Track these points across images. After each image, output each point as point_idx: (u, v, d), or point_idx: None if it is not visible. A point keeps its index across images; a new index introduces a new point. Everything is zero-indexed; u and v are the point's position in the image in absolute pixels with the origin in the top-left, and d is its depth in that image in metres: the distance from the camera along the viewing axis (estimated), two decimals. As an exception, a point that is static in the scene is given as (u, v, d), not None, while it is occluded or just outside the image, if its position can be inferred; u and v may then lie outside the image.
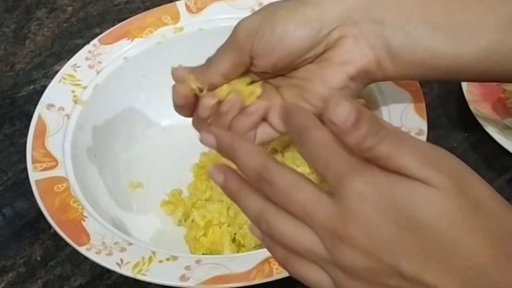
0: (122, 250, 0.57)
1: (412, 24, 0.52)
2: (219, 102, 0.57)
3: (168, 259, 0.56)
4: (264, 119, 0.59)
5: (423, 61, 0.53)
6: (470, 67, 0.53)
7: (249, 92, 0.58)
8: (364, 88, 0.57)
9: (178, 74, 0.57)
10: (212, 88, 0.57)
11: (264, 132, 0.59)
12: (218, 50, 0.57)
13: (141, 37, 0.72)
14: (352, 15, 0.53)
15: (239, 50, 0.55)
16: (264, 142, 0.59)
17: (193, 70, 0.57)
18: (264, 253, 0.56)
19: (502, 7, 0.51)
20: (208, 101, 0.57)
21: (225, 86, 0.57)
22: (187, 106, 0.58)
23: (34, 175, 0.62)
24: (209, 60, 0.57)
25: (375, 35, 0.53)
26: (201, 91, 0.57)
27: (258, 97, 0.58)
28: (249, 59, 0.56)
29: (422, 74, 0.55)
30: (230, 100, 0.57)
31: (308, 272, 0.41)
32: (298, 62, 0.56)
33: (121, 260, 0.56)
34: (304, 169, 0.63)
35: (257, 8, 0.71)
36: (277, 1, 0.56)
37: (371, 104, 0.66)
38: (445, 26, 0.52)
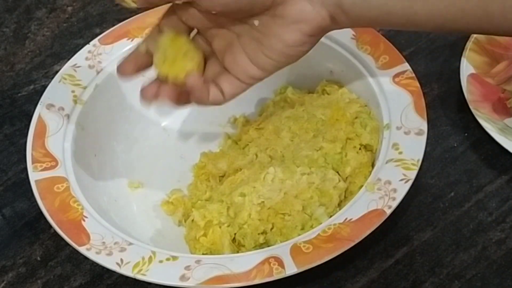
0: (122, 250, 0.57)
1: None
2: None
3: (168, 259, 0.56)
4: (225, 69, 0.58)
5: (377, 17, 0.54)
6: (424, 23, 0.54)
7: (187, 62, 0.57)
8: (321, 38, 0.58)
9: None
10: (146, 3, 0.55)
11: (230, 85, 0.58)
12: None
13: (141, 37, 0.71)
14: None
15: None
16: (235, 94, 0.58)
17: None
18: (264, 253, 0.56)
19: None
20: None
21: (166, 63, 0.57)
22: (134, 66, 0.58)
23: (34, 175, 0.62)
24: None
25: None
26: (136, 7, 0.55)
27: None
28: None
29: (378, 26, 0.57)
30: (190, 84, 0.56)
31: None
32: (245, 11, 0.55)
33: (121, 260, 0.56)
34: (304, 169, 0.64)
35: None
36: None
37: (371, 104, 0.66)
38: None
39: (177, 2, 0.55)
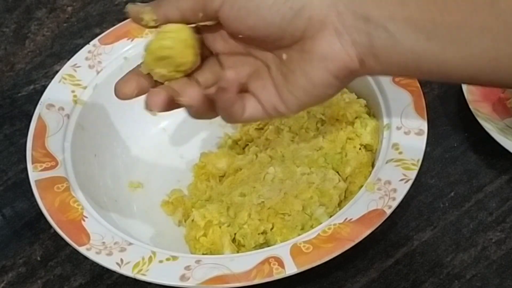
0: (122, 250, 0.57)
1: (395, 23, 0.49)
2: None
3: (168, 259, 0.56)
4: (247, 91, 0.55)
5: (406, 63, 0.50)
6: (454, 72, 0.50)
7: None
8: (349, 83, 0.54)
9: (134, 9, 0.53)
10: (166, 22, 0.53)
11: (252, 107, 0.54)
12: None
13: (141, 37, 0.72)
14: (336, 3, 0.50)
15: None
16: (254, 119, 0.55)
17: (151, 3, 0.53)
18: (264, 253, 0.56)
19: (487, 9, 0.47)
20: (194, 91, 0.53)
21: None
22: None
23: (34, 175, 0.62)
24: None
25: (358, 31, 0.50)
26: (155, 27, 0.53)
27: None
28: (212, 13, 0.52)
29: (407, 74, 0.53)
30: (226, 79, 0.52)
31: None
32: (273, 40, 0.52)
33: (121, 260, 0.56)
34: (304, 169, 0.64)
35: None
36: None
37: (371, 104, 0.66)
38: (428, 27, 0.49)
39: (202, 23, 0.53)
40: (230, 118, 0.54)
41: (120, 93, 0.54)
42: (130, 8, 0.53)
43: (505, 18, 0.47)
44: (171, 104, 0.53)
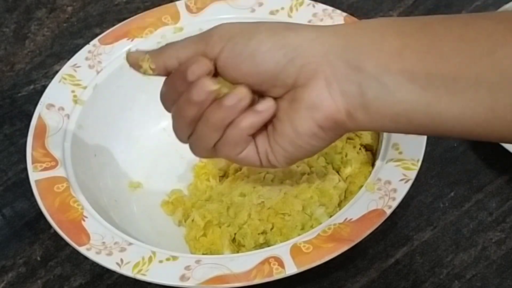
0: (122, 250, 0.57)
1: (389, 74, 0.48)
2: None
3: (168, 259, 0.56)
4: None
5: (398, 115, 0.49)
6: (448, 125, 0.48)
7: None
8: (337, 139, 0.53)
9: (133, 56, 0.54)
10: (164, 72, 0.53)
11: (250, 148, 0.54)
12: (185, 38, 0.54)
13: (141, 37, 0.72)
14: (329, 52, 0.49)
15: (206, 46, 0.51)
16: (247, 161, 0.55)
17: (150, 51, 0.54)
18: (264, 253, 0.56)
19: (484, 60, 0.46)
20: (208, 83, 0.51)
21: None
22: None
23: (34, 175, 0.62)
24: (172, 42, 0.54)
25: (348, 80, 0.49)
26: (152, 74, 0.53)
27: None
28: (211, 61, 0.51)
29: (397, 128, 0.51)
30: (238, 93, 0.51)
31: None
32: (266, 88, 0.52)
33: (121, 260, 0.56)
34: (304, 169, 0.64)
35: (257, 8, 0.71)
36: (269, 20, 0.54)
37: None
38: (423, 78, 0.47)
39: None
40: (228, 155, 0.54)
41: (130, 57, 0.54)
42: (129, 54, 0.54)
43: (502, 68, 0.45)
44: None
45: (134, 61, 0.53)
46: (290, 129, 0.52)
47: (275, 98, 0.52)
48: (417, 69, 0.47)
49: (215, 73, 0.52)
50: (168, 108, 0.55)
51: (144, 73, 0.53)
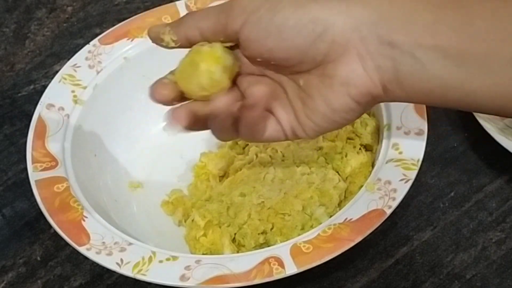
0: (122, 250, 0.57)
1: (423, 49, 0.47)
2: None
3: (168, 259, 0.56)
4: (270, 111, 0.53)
5: (432, 91, 0.48)
6: (481, 102, 0.48)
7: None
8: (371, 108, 0.53)
9: (154, 30, 0.52)
10: (187, 43, 0.51)
11: (272, 127, 0.54)
12: (206, 8, 0.52)
13: (141, 37, 0.72)
14: (360, 27, 0.48)
15: (228, 18, 0.50)
16: (273, 139, 0.54)
17: (170, 23, 0.52)
18: (264, 253, 0.56)
19: None
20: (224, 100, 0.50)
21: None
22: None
23: (34, 175, 0.62)
24: (192, 12, 0.52)
25: (382, 56, 0.48)
26: (175, 46, 0.52)
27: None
28: (233, 34, 0.50)
29: (431, 102, 0.50)
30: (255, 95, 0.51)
31: None
32: (293, 64, 0.50)
33: (121, 260, 0.56)
34: (304, 169, 0.64)
35: (257, 8, 0.71)
36: None
37: (371, 104, 0.66)
38: (456, 56, 0.47)
39: (223, 44, 0.51)
40: (252, 137, 0.53)
41: (157, 94, 0.52)
42: (150, 29, 0.53)
43: None
44: (196, 123, 0.52)
45: (155, 35, 0.52)
46: (324, 105, 0.50)
47: (301, 73, 0.51)
48: (450, 45, 0.47)
49: (235, 46, 0.51)
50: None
51: (167, 46, 0.52)
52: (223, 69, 0.50)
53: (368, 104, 0.51)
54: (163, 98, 0.52)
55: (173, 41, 0.52)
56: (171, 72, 0.53)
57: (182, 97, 0.52)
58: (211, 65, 0.50)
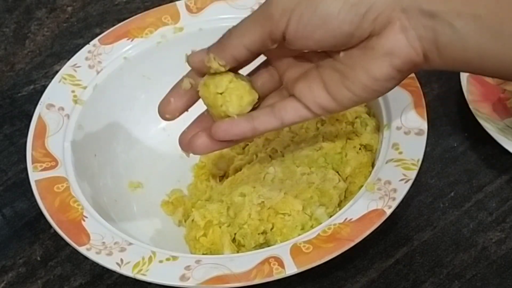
0: (122, 250, 0.57)
1: (462, 19, 0.48)
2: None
3: (168, 259, 0.56)
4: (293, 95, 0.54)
5: (470, 60, 0.49)
6: None
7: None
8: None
9: (195, 59, 0.53)
10: (235, 63, 0.52)
11: (294, 111, 0.54)
12: (243, 21, 0.52)
13: (141, 37, 0.72)
14: (401, 0, 0.49)
15: (272, 24, 0.50)
16: (294, 122, 0.55)
17: (209, 48, 0.52)
18: (264, 253, 0.56)
19: None
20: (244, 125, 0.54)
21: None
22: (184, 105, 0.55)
23: (34, 175, 0.62)
24: (230, 31, 0.52)
25: (424, 27, 0.49)
26: (224, 71, 0.52)
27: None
28: (281, 37, 0.51)
29: (470, 71, 0.52)
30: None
31: None
32: (340, 46, 0.51)
33: (121, 260, 0.56)
34: (304, 169, 0.64)
35: (257, 8, 0.71)
36: None
37: (371, 104, 0.66)
38: (495, 27, 0.48)
39: (269, 48, 0.52)
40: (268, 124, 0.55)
41: (166, 112, 0.55)
42: (191, 60, 0.53)
43: None
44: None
45: (199, 65, 0.53)
46: (365, 76, 0.51)
47: (347, 49, 0.52)
48: (489, 17, 0.48)
49: (280, 45, 0.52)
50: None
51: (216, 72, 0.52)
52: (252, 102, 0.53)
53: (409, 72, 0.52)
54: (175, 113, 0.56)
55: (222, 65, 0.52)
56: (189, 76, 0.54)
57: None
58: (242, 101, 0.53)
